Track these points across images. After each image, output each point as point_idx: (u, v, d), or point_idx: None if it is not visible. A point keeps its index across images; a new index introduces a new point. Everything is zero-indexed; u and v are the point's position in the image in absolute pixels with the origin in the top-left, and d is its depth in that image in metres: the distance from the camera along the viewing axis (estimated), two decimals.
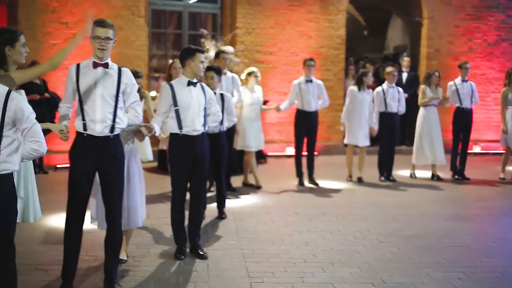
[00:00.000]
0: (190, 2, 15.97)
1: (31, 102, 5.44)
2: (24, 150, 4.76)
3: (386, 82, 12.66)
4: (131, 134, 6.82)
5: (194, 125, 7.10)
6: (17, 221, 5.48)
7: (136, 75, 7.16)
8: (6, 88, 4.70)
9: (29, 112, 4.71)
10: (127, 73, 6.05)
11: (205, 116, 7.19)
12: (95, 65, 5.90)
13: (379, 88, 12.67)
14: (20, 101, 4.68)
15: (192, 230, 7.34)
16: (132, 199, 6.83)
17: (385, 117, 12.55)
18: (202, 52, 7.20)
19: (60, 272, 6.03)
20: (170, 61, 12.01)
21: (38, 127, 4.78)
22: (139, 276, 6.56)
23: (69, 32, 13.87)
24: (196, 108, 7.11)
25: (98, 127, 5.87)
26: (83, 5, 13.99)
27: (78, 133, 5.93)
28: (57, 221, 8.56)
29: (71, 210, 5.97)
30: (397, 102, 12.59)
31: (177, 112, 7.10)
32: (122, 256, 6.97)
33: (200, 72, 7.17)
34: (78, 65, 5.97)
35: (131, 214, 6.84)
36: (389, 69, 12.87)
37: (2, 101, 4.61)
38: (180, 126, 7.11)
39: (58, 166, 13.29)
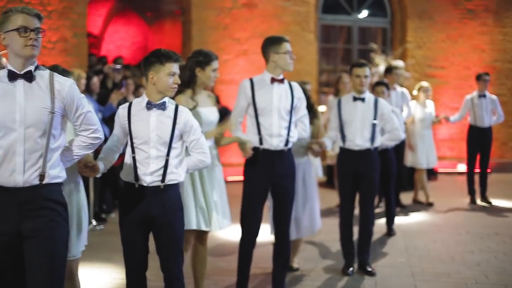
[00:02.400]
0: (360, 17, 15.90)
1: None
2: (190, 161, 4.88)
3: None
4: (303, 147, 6.85)
5: (355, 140, 7.02)
6: (205, 228, 5.65)
7: (303, 84, 7.14)
8: (175, 103, 4.86)
9: (197, 125, 4.84)
10: (297, 88, 6.11)
11: (373, 132, 7.06)
12: (273, 80, 5.99)
13: None
14: (188, 114, 4.81)
15: (361, 246, 7.24)
16: (309, 208, 6.98)
17: None
18: (362, 65, 7.06)
19: (229, 283, 6.11)
20: (338, 76, 11.98)
21: (204, 139, 4.89)
22: None
23: (241, 47, 14.17)
24: (358, 123, 7.03)
25: (275, 141, 5.95)
26: (254, 22, 14.26)
27: (254, 147, 6.00)
28: (227, 233, 8.72)
29: (245, 222, 6.05)
30: None
31: (341, 127, 7.08)
32: (293, 264, 7.15)
33: (363, 86, 7.05)
34: (251, 80, 6.07)
35: (308, 223, 7.02)
36: None
37: (172, 114, 4.76)
38: (343, 140, 7.07)
39: (228, 179, 13.54)
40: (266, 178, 6.00)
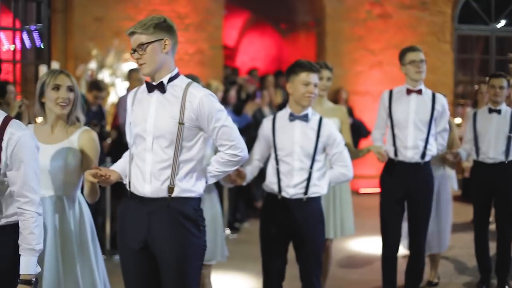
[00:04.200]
0: (498, 26, 15.46)
1: None
2: (332, 174, 4.88)
3: None
4: (440, 160, 6.73)
5: (489, 153, 6.79)
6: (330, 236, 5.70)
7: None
8: (319, 115, 4.89)
9: (340, 138, 4.84)
10: (441, 100, 6.00)
11: (509, 145, 6.79)
12: (409, 91, 5.92)
13: None
14: (332, 127, 4.83)
15: (499, 262, 7.01)
16: (442, 224, 6.86)
17: None
18: (498, 76, 6.84)
19: None
20: (477, 87, 11.68)
21: (347, 152, 4.89)
22: None
23: (375, 59, 14.06)
24: (493, 135, 6.79)
25: (409, 153, 5.89)
26: (388, 33, 14.12)
27: (389, 159, 5.97)
28: (360, 245, 8.68)
29: (383, 234, 6.02)
30: None
31: (475, 139, 6.87)
32: (433, 279, 7.07)
33: (497, 97, 6.80)
34: (390, 92, 6.04)
35: (441, 238, 6.89)
36: None
37: (316, 126, 4.79)
38: (477, 153, 6.87)
39: (361, 191, 13.46)
40: (401, 190, 5.95)
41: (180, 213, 3.81)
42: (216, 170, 3.93)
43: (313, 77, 4.75)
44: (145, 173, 3.83)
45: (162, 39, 3.78)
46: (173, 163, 3.79)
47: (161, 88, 3.83)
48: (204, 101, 3.78)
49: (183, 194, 3.83)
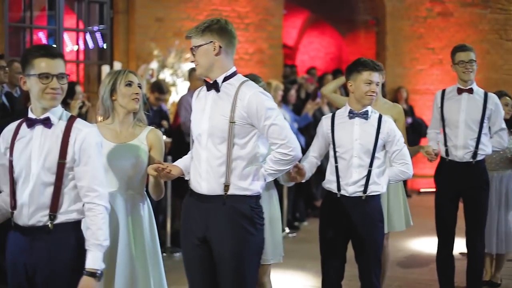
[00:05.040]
0: None
1: None
2: (392, 172, 4.86)
3: None
4: (505, 159, 6.63)
5: None
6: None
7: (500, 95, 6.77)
8: (378, 112, 4.89)
9: (399, 135, 4.82)
10: (493, 98, 5.93)
11: None
12: (460, 91, 5.88)
13: None
14: (391, 124, 4.81)
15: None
16: (508, 223, 6.72)
17: None
18: None
19: None
20: None
21: (407, 150, 4.86)
22: None
23: (436, 57, 13.94)
24: None
25: (460, 153, 5.86)
26: (449, 31, 13.98)
27: (441, 158, 5.95)
28: (419, 244, 8.62)
29: (440, 234, 5.98)
30: None
31: None
32: (496, 280, 6.96)
33: None
34: (443, 91, 6.01)
35: (509, 240, 6.75)
36: None
37: (376, 123, 4.78)
38: None
39: (421, 190, 13.35)
40: (453, 190, 5.93)
41: (236, 211, 3.88)
42: (271, 168, 3.94)
43: (376, 76, 4.74)
44: (201, 170, 3.93)
45: (212, 42, 3.88)
46: (226, 161, 3.87)
47: (216, 87, 3.94)
48: (253, 99, 3.84)
49: (239, 192, 3.89)
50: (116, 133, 4.28)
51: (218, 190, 3.88)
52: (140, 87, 4.31)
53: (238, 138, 3.88)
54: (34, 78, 3.45)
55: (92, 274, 3.44)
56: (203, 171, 3.92)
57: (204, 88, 4.04)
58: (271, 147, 3.96)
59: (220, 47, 3.89)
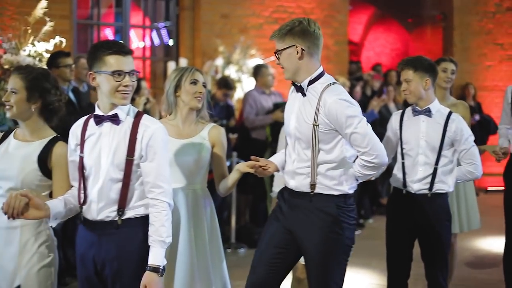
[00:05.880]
0: None
1: None
2: (459, 172, 4.80)
3: None
4: None
5: None
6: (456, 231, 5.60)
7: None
8: (448, 110, 4.82)
9: (468, 134, 4.75)
10: None
11: None
12: None
13: None
14: (461, 123, 4.74)
15: None
16: None
17: None
18: None
19: None
20: None
21: (476, 150, 4.78)
22: None
23: (504, 53, 13.69)
24: None
25: None
26: None
27: (510, 155, 5.84)
28: (487, 244, 8.50)
29: (509, 234, 5.87)
30: None
31: None
32: None
33: None
34: None
35: None
36: None
37: (443, 121, 4.73)
38: None
39: (489, 188, 13.13)
40: None
41: (321, 210, 3.90)
42: (359, 172, 3.92)
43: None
44: (289, 169, 4.00)
45: (294, 45, 3.84)
46: (312, 165, 3.89)
47: (302, 91, 3.92)
48: (333, 106, 3.79)
49: (325, 191, 3.90)
50: (178, 130, 4.31)
51: (304, 188, 3.92)
52: (205, 86, 4.32)
53: (323, 144, 3.88)
54: (106, 75, 3.48)
55: (155, 270, 3.48)
56: (291, 170, 3.98)
57: (292, 88, 4.05)
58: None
59: (302, 50, 3.84)
